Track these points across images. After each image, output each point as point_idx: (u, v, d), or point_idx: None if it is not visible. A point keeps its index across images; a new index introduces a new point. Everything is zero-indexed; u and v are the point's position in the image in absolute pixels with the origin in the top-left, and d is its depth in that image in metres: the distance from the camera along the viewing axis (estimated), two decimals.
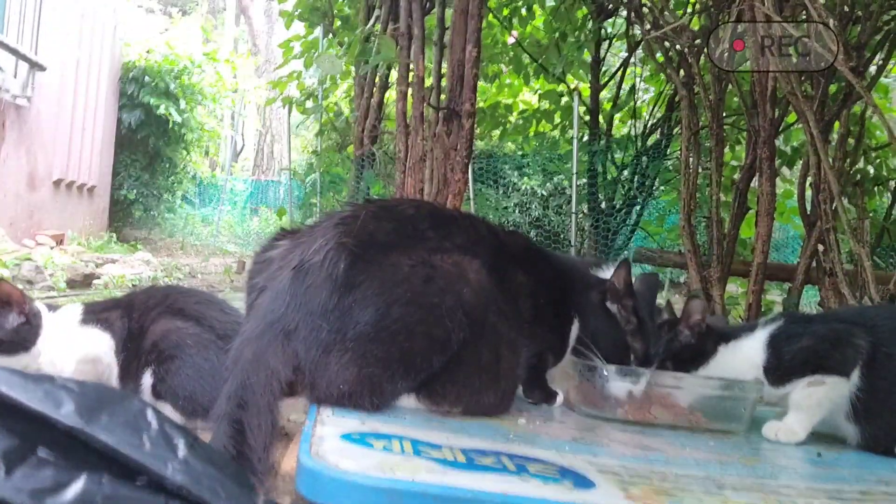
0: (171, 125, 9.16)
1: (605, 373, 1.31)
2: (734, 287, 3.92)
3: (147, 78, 8.97)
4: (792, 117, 2.99)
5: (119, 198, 9.31)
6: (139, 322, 1.65)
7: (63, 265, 4.96)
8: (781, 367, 1.35)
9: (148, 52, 9.20)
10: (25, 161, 6.30)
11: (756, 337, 1.42)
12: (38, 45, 6.05)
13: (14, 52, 5.61)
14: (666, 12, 3.02)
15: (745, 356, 1.42)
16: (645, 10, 3.27)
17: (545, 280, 1.43)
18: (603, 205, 5.91)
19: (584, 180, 5.92)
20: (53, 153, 6.84)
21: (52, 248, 6.11)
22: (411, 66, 3.62)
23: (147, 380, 1.59)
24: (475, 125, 3.19)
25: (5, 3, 5.68)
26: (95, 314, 1.65)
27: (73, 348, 1.60)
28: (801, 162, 3.20)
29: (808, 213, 2.59)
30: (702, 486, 0.95)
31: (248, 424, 0.96)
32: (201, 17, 14.01)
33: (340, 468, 0.79)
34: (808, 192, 2.64)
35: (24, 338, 1.51)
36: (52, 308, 1.64)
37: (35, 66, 6.00)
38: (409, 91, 3.61)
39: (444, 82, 3.35)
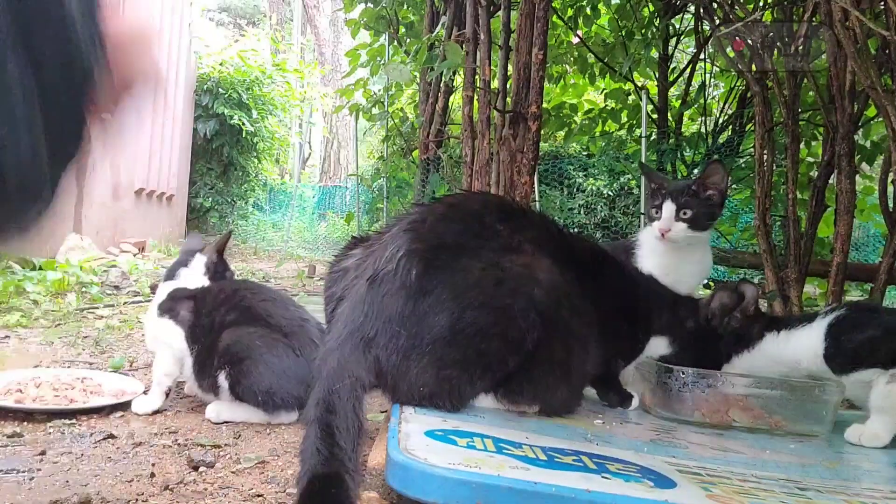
0: (243, 134, 9.50)
1: (683, 376, 1.31)
2: (812, 288, 3.80)
3: (220, 89, 9.34)
4: (871, 111, 2.89)
5: (195, 206, 9.68)
6: (210, 316, 1.78)
7: (146, 271, 5.20)
8: (844, 356, 1.32)
9: (221, 64, 9.57)
10: (110, 172, 6.61)
11: (815, 325, 1.39)
12: None
13: None
14: (736, 6, 2.95)
15: (801, 344, 1.39)
16: (714, 4, 3.21)
17: (614, 284, 1.44)
18: None
19: None
20: (135, 164, 7.16)
21: (135, 255, 6.40)
22: (477, 71, 3.65)
23: (223, 382, 1.71)
24: (541, 127, 3.19)
25: None
26: (168, 304, 1.84)
27: (151, 335, 1.85)
28: (881, 157, 3.08)
29: (890, 210, 2.50)
30: (783, 488, 0.95)
31: (337, 427, 1.01)
32: (269, 28, 14.41)
33: (429, 463, 0.82)
34: (890, 189, 2.54)
35: None
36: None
37: None
38: (475, 95, 3.64)
39: (509, 85, 3.37)
